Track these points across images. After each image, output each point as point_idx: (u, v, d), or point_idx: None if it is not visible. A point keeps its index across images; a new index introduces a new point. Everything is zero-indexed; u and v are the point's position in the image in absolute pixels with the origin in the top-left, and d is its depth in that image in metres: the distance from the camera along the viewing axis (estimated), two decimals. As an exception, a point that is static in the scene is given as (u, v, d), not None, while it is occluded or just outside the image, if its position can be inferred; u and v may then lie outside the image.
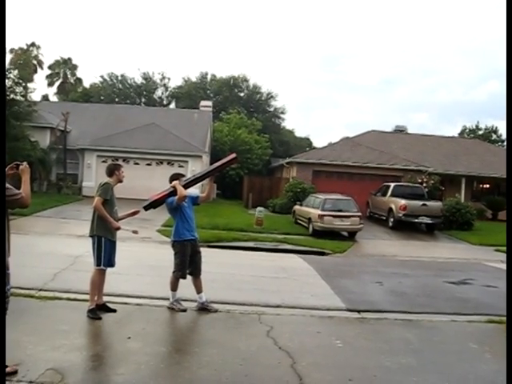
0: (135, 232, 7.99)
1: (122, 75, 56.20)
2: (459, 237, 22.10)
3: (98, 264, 7.12)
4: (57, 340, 5.92)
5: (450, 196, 27.07)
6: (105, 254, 7.12)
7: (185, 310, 7.60)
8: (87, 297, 7.19)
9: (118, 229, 7.18)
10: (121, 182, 7.47)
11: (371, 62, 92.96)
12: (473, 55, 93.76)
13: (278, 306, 8.43)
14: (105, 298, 7.35)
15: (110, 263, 7.26)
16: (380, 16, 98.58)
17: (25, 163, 5.14)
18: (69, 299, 7.77)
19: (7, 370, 4.72)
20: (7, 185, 4.77)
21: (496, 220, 30.75)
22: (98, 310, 7.07)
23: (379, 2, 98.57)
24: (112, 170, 7.44)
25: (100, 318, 6.92)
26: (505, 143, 58.22)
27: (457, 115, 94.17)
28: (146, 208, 7.67)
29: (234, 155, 8.05)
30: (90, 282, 7.13)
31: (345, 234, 20.17)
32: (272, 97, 55.40)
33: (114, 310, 7.27)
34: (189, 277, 7.79)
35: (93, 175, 28.88)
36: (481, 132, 58.55)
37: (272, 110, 55.14)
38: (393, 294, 10.19)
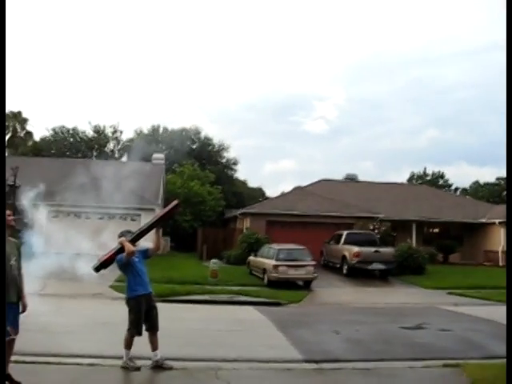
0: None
1: (73, 129, 55.82)
2: (412, 281, 22.42)
3: None
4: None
5: (402, 241, 27.56)
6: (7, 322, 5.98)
7: (139, 369, 7.37)
8: (36, 358, 6.87)
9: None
10: (12, 227, 6.47)
11: (322, 111, 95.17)
12: (413, 104, 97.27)
13: (234, 360, 8.26)
14: (55, 359, 7.05)
15: (15, 330, 6.20)
16: (329, 67, 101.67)
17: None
18: (16, 361, 7.42)
19: None
20: None
21: (447, 263, 31.39)
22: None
23: (328, 54, 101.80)
24: None
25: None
26: (452, 188, 60.16)
27: (401, 162, 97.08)
28: (97, 269, 7.48)
29: (176, 202, 7.99)
30: None
31: (300, 283, 20.15)
32: (224, 148, 55.88)
33: (19, 383, 6.21)
34: (145, 333, 7.59)
35: (43, 231, 28.16)
36: (428, 178, 60.34)
37: (224, 161, 55.50)
38: (350, 342, 10.16)
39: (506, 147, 7.16)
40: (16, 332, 6.23)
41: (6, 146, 55.35)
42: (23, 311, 6.48)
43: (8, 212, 6.46)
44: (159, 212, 8.01)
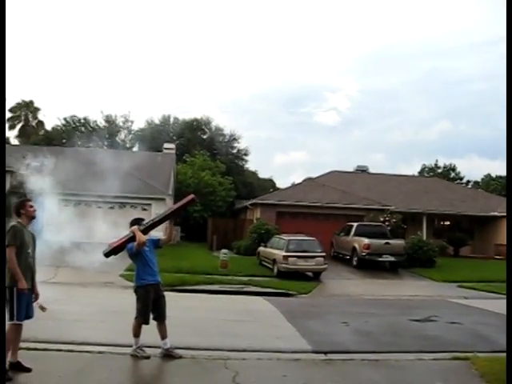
0: (42, 309, 6.65)
1: (84, 118, 55.99)
2: (422, 274, 22.37)
3: (11, 318, 6.21)
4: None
5: (412, 234, 27.45)
6: (18, 306, 6.24)
7: (148, 357, 7.41)
8: (48, 346, 6.93)
9: (23, 289, 6.22)
10: (33, 218, 6.66)
11: (333, 103, 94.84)
12: (425, 96, 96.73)
13: (243, 350, 8.29)
14: (66, 347, 7.11)
15: (28, 315, 6.45)
16: (341, 58, 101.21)
17: None
18: (28, 348, 7.48)
19: None
20: None
21: (458, 256, 31.27)
22: (11, 369, 6.16)
23: (341, 45, 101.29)
24: (17, 209, 6.55)
25: (10, 379, 6.00)
26: (463, 180, 59.84)
27: (412, 154, 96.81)
28: (107, 255, 7.50)
29: (191, 196, 7.97)
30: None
31: (310, 274, 20.15)
32: (235, 139, 55.78)
33: (29, 370, 6.35)
34: (153, 322, 7.63)
35: (54, 219, 28.28)
36: (440, 170, 59.97)
37: (235, 151, 55.43)
38: (359, 334, 10.17)
39: (506, 145, 7.10)
40: (30, 316, 6.48)
41: (17, 136, 55.72)
42: (35, 300, 6.61)
43: (30, 203, 6.67)
44: (174, 205, 7.98)
